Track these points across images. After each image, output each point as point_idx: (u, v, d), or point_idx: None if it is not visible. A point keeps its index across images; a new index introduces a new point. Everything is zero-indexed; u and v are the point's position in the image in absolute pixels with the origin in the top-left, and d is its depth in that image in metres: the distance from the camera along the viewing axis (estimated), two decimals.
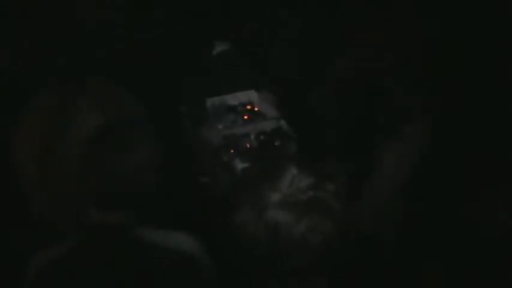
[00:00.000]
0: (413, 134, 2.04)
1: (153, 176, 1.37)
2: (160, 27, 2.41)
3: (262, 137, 2.47)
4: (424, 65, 2.09)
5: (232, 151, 2.40)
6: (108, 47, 2.19)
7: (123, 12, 2.32)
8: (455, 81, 2.06)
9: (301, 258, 1.23)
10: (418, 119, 2.05)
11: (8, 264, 1.67)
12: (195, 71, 2.54)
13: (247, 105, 2.61)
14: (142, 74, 2.13)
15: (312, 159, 1.37)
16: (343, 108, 2.23)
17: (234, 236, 1.27)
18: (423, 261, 1.92)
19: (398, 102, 2.09)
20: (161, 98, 2.19)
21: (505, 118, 2.04)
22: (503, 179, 1.93)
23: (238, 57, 2.69)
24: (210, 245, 1.42)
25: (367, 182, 2.02)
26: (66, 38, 2.18)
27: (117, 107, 1.37)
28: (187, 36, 2.50)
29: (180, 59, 2.44)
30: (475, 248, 1.86)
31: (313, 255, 1.23)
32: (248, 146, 2.44)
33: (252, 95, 2.65)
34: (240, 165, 2.34)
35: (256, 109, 2.60)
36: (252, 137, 2.49)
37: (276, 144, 2.41)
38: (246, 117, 2.57)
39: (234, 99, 2.63)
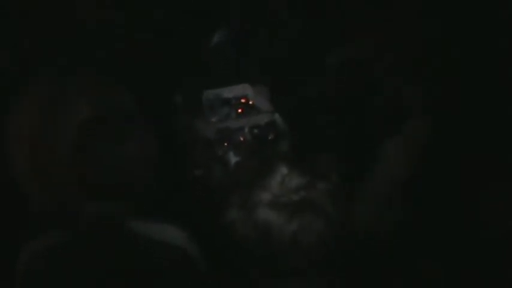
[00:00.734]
0: (413, 131, 2.04)
1: (146, 168, 1.37)
2: (158, 23, 2.42)
3: (256, 130, 2.48)
4: (424, 64, 2.09)
5: (226, 144, 2.41)
6: (108, 45, 2.19)
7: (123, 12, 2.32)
8: (455, 82, 2.06)
9: (295, 258, 1.21)
10: (417, 116, 2.05)
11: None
12: (191, 64, 2.54)
13: (241, 98, 2.61)
14: (138, 67, 2.13)
15: (306, 154, 1.35)
16: (342, 104, 2.24)
17: (226, 234, 1.26)
18: (423, 261, 1.92)
19: (398, 100, 2.08)
20: (156, 90, 2.19)
21: (505, 118, 2.03)
22: (504, 179, 1.93)
23: (234, 50, 2.70)
24: (204, 239, 1.42)
25: (366, 180, 2.01)
26: (66, 38, 2.18)
27: (109, 99, 1.37)
28: (184, 30, 2.51)
29: (177, 52, 2.45)
30: (475, 247, 1.85)
31: (307, 255, 1.21)
32: (242, 139, 2.44)
33: (246, 88, 2.65)
34: (233, 158, 2.34)
35: (250, 103, 2.61)
36: (246, 130, 2.49)
37: (269, 138, 2.42)
38: (240, 110, 2.57)
39: (228, 92, 2.63)
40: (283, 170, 1.24)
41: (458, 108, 2.03)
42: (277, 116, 2.51)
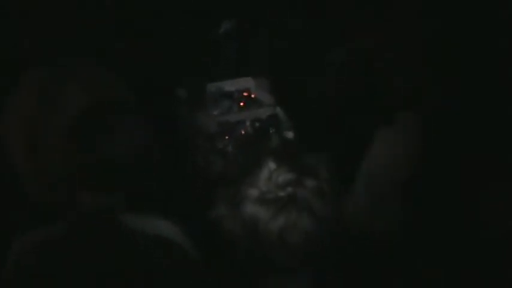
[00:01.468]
0: (405, 123, 2.03)
1: (138, 160, 1.36)
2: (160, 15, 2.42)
3: (257, 124, 2.48)
4: (424, 63, 2.09)
5: (227, 137, 2.40)
6: (108, 37, 2.19)
7: None
8: (455, 82, 2.06)
9: (282, 255, 1.19)
10: (409, 108, 2.04)
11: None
12: (194, 57, 2.54)
13: (243, 91, 2.61)
14: (140, 60, 2.13)
15: (297, 151, 1.33)
16: (341, 97, 2.23)
17: (214, 229, 1.25)
18: (423, 261, 1.92)
19: (393, 90, 2.07)
20: (158, 83, 2.19)
21: (505, 118, 2.03)
22: (504, 179, 1.92)
23: (236, 44, 2.70)
24: (198, 234, 1.41)
25: (359, 174, 2.00)
26: (66, 38, 2.18)
27: (106, 89, 1.38)
28: (187, 22, 2.51)
29: (179, 45, 2.45)
30: (475, 247, 1.85)
31: (294, 252, 1.19)
32: (243, 132, 2.44)
33: (249, 81, 2.65)
34: (232, 152, 2.35)
35: (252, 96, 2.61)
36: (248, 123, 2.49)
37: (271, 131, 2.42)
38: (241, 103, 2.57)
39: (231, 85, 2.63)
40: (271, 165, 1.23)
41: (458, 108, 2.03)
42: (278, 109, 2.50)
